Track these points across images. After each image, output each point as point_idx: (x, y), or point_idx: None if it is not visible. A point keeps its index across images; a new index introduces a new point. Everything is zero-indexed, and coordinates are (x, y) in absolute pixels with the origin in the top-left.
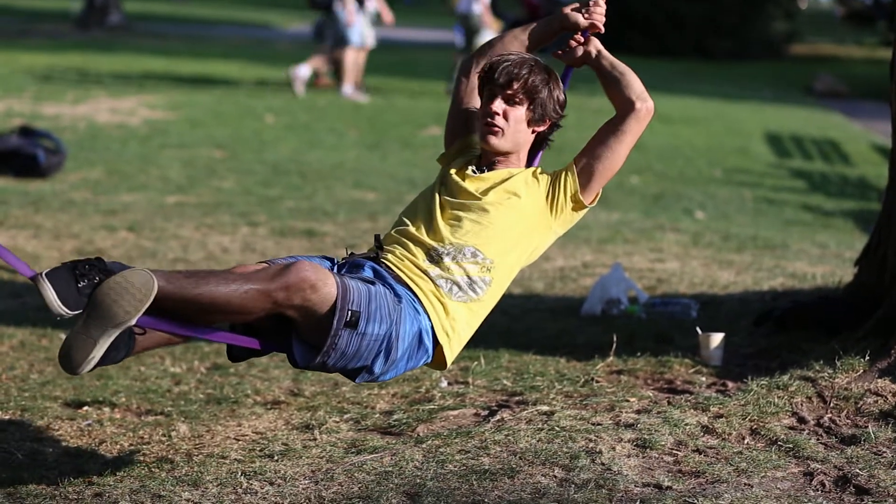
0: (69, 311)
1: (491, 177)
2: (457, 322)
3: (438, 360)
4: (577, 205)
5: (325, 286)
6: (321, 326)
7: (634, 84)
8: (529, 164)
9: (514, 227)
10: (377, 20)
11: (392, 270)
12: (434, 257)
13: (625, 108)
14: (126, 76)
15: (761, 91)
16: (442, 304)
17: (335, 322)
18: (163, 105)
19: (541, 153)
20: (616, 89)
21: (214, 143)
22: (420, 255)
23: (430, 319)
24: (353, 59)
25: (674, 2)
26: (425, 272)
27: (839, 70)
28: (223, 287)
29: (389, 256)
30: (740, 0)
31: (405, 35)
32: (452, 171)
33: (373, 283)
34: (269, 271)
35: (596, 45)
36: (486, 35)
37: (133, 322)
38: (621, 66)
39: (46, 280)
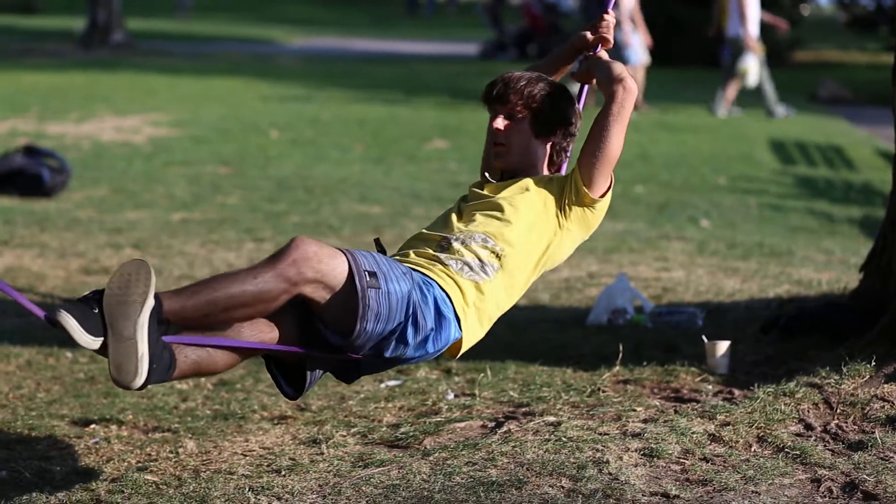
0: (94, 338)
1: (508, 182)
2: (468, 296)
3: (453, 348)
4: (586, 199)
5: (331, 255)
6: (345, 303)
7: (612, 71)
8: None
9: (525, 218)
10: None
11: (401, 262)
12: (444, 245)
13: (606, 95)
14: (130, 94)
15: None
16: (453, 280)
17: (358, 284)
18: (167, 122)
19: (565, 164)
20: (600, 82)
21: (219, 159)
22: (430, 247)
23: (443, 290)
24: (638, 79)
25: (675, 8)
26: (435, 258)
27: (843, 76)
28: (234, 283)
29: (398, 257)
30: None
31: (409, 48)
32: (473, 185)
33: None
34: (271, 257)
35: (597, 54)
36: (749, 59)
37: (151, 298)
38: (604, 62)
39: (66, 312)
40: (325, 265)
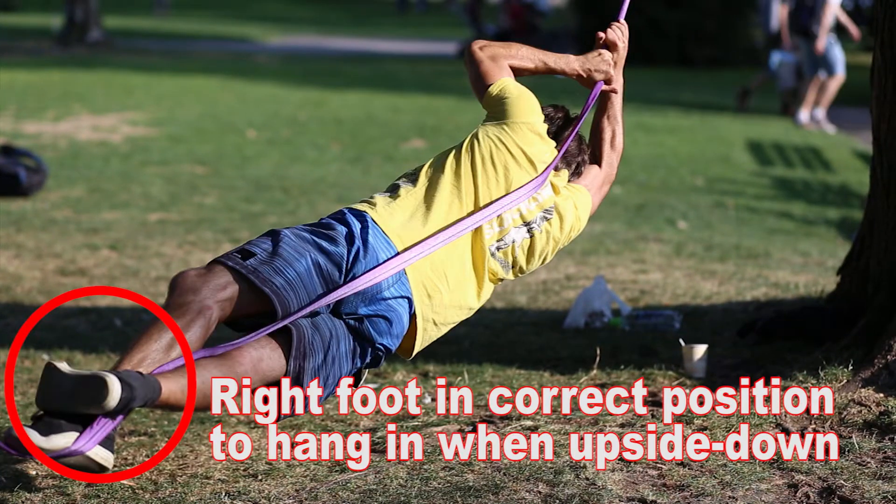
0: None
1: None
2: (377, 201)
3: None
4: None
5: (208, 270)
6: (252, 292)
7: (622, 127)
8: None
9: None
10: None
11: None
12: None
13: (608, 144)
14: (107, 92)
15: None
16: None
17: (241, 270)
18: (144, 121)
19: (584, 171)
20: (613, 117)
21: (196, 159)
22: None
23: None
24: (835, 88)
25: (655, 8)
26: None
27: None
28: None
29: None
30: (721, 7)
31: (388, 47)
32: None
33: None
34: (175, 310)
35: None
36: None
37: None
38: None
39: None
40: (209, 278)
